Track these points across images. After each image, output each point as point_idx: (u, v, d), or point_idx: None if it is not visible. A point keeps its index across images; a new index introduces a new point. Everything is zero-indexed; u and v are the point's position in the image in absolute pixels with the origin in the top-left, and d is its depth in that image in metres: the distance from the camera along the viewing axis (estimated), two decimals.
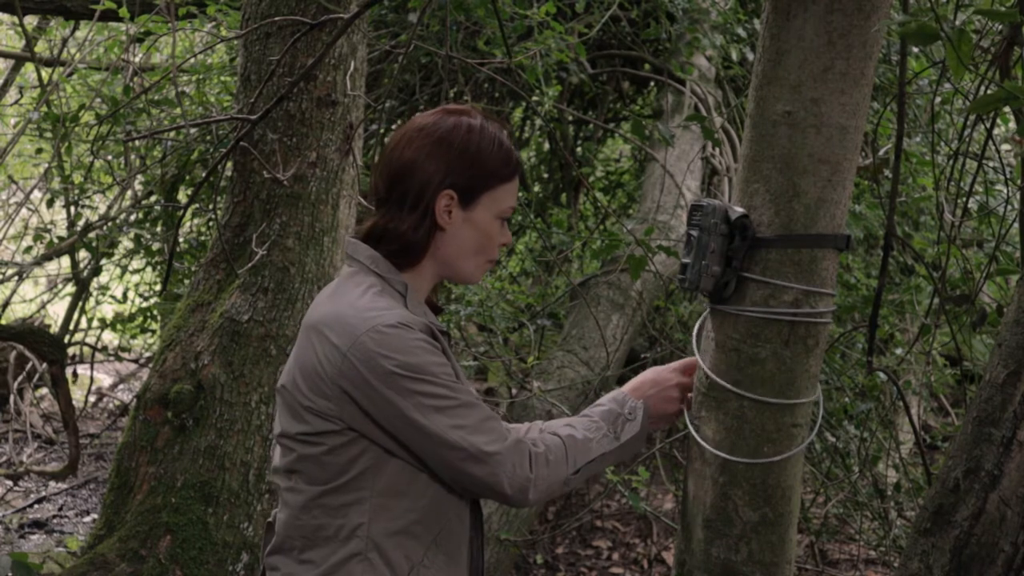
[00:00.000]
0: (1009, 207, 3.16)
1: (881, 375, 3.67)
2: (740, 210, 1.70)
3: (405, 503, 1.60)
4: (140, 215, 5.43)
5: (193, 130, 4.84)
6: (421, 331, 1.57)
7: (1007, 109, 3.10)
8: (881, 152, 3.83)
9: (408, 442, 1.57)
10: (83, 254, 5.84)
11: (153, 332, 6.07)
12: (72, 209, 5.45)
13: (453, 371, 1.62)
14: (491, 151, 1.66)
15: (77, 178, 5.46)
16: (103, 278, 6.34)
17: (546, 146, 6.58)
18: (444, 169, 1.64)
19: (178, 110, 4.73)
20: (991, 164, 3.81)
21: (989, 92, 2.06)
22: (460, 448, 1.56)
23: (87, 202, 5.59)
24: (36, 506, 4.93)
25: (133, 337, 6.30)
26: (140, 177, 5.54)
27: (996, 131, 3.89)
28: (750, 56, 4.84)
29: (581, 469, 1.67)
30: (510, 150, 1.69)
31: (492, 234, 1.69)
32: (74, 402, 4.41)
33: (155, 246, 5.42)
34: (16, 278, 5.93)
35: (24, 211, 6.13)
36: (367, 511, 1.58)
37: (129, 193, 5.61)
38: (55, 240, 5.50)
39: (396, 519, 1.60)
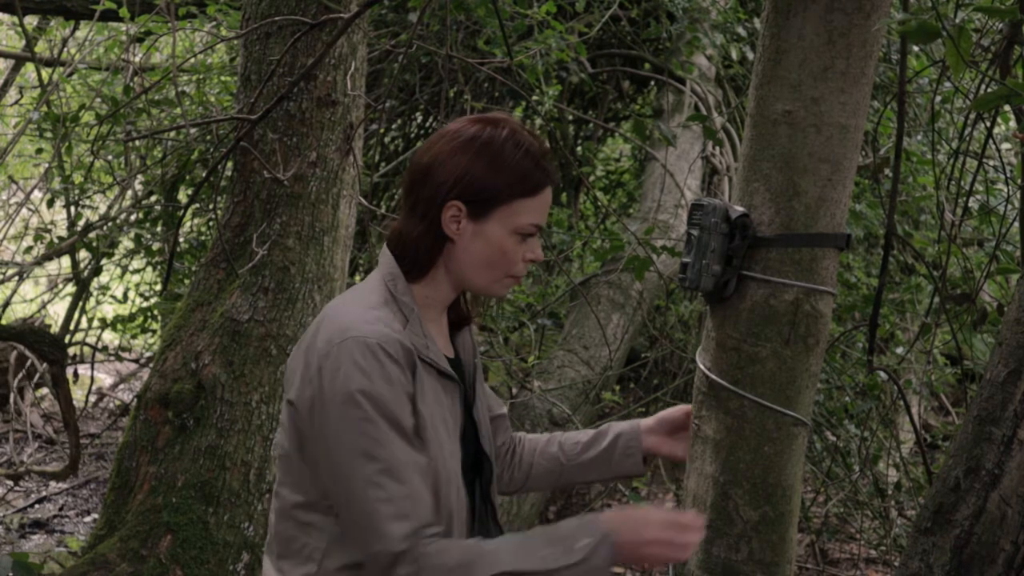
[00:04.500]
0: (1009, 206, 3.16)
1: (881, 374, 3.66)
2: (740, 209, 1.70)
3: None
4: (140, 215, 5.43)
5: (193, 130, 4.84)
6: (398, 358, 1.49)
7: (1007, 107, 3.10)
8: (881, 151, 3.83)
9: (320, 462, 1.50)
10: (83, 254, 5.83)
11: (153, 332, 6.07)
12: (72, 209, 5.45)
13: (424, 415, 1.52)
14: (510, 164, 1.57)
15: (77, 178, 5.45)
16: (103, 278, 6.33)
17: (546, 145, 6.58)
18: (454, 179, 1.56)
19: (178, 110, 4.72)
20: (991, 163, 3.81)
21: (990, 90, 2.06)
22: (359, 504, 1.46)
23: (87, 202, 5.59)
24: (37, 506, 4.93)
25: (133, 337, 6.30)
26: (140, 177, 5.54)
27: (996, 130, 3.90)
28: (750, 55, 4.84)
29: None
30: (534, 166, 1.58)
31: (507, 250, 1.58)
32: (74, 402, 4.40)
33: (155, 246, 5.41)
34: (16, 278, 5.92)
35: (24, 211, 6.12)
36: (325, 538, 1.54)
37: (129, 193, 5.61)
38: (55, 240, 5.49)
39: (350, 555, 1.53)
